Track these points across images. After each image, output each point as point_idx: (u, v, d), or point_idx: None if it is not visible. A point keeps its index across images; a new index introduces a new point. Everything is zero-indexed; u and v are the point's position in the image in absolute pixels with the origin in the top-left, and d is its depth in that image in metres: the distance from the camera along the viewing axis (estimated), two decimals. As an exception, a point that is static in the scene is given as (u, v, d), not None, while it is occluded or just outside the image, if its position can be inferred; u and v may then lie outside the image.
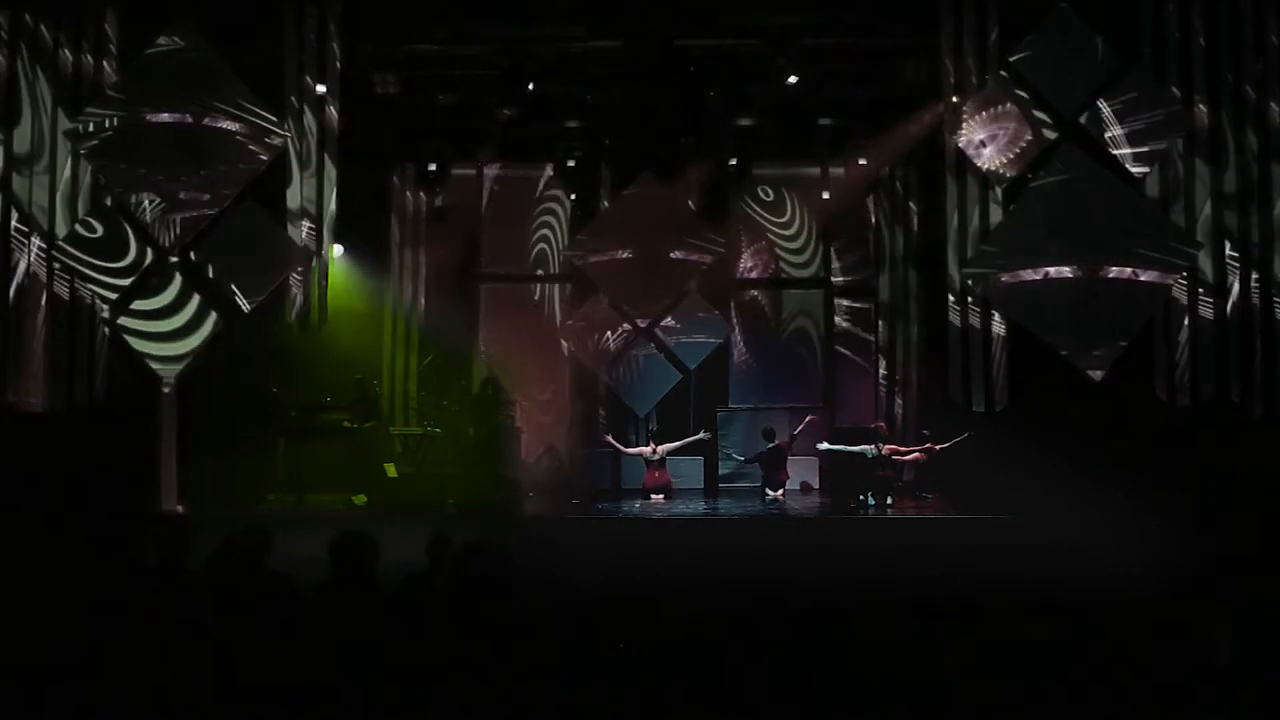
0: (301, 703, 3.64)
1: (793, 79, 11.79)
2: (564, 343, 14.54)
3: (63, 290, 10.27)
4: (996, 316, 10.74)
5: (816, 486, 13.45)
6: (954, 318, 10.90)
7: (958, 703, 3.70)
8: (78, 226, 10.24)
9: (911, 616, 4.15)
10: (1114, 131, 10.11)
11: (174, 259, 10.40)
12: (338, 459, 11.40)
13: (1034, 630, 4.10)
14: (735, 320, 14.95)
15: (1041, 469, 9.21)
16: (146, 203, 10.29)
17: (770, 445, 12.54)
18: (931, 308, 12.74)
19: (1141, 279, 10.03)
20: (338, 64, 10.81)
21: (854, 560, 8.45)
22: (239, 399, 11.59)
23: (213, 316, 10.41)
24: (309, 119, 10.72)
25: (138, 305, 10.29)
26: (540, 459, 13.02)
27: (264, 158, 10.25)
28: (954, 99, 10.65)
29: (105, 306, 10.26)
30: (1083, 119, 10.17)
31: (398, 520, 9.42)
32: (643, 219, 13.32)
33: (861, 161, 13.88)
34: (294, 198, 10.70)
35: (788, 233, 15.25)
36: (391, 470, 11.47)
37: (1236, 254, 10.28)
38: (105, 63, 10.36)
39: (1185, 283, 10.30)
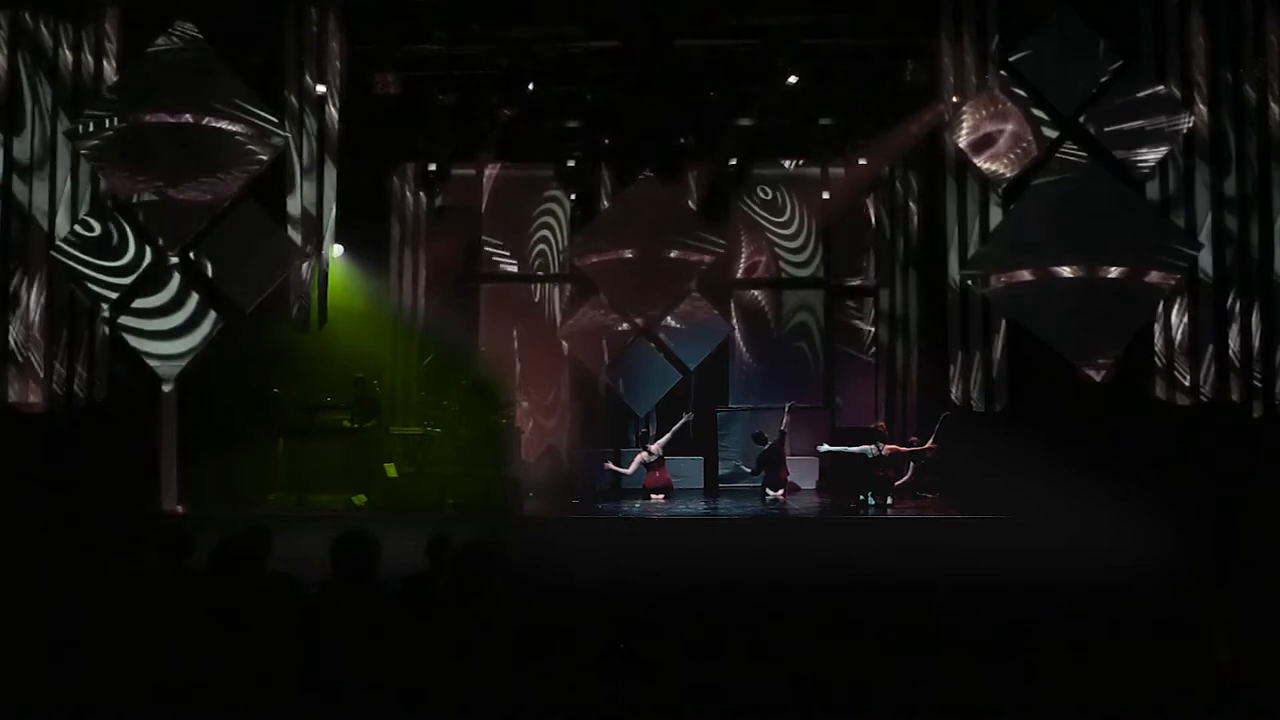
0: (302, 703, 3.64)
1: (793, 79, 11.78)
2: (564, 343, 14.53)
3: (63, 290, 10.27)
4: (996, 316, 10.74)
5: (801, 488, 13.34)
6: (954, 318, 10.88)
7: (957, 702, 3.70)
8: (78, 226, 10.24)
9: (912, 615, 4.15)
10: (1114, 131, 10.11)
11: (174, 259, 10.41)
12: (338, 459, 11.41)
13: (1033, 630, 4.10)
14: (735, 320, 14.95)
15: (1041, 469, 9.21)
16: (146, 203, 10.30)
17: (765, 447, 12.55)
18: (931, 308, 12.74)
19: (1141, 279, 10.03)
20: (338, 64, 10.81)
21: (854, 560, 8.46)
22: (239, 399, 11.59)
23: (212, 315, 10.41)
24: (309, 119, 10.71)
25: (138, 304, 10.30)
26: (540, 459, 13.01)
27: (264, 158, 10.24)
28: (954, 99, 10.65)
29: (105, 306, 10.26)
30: (1083, 119, 10.16)
31: (398, 520, 9.42)
32: (643, 219, 13.33)
33: (861, 161, 13.87)
34: (294, 198, 10.69)
35: (788, 232, 15.25)
36: (391, 470, 11.47)
37: (1236, 254, 10.28)
38: (105, 63, 10.36)
39: (1185, 282, 10.29)
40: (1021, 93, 10.30)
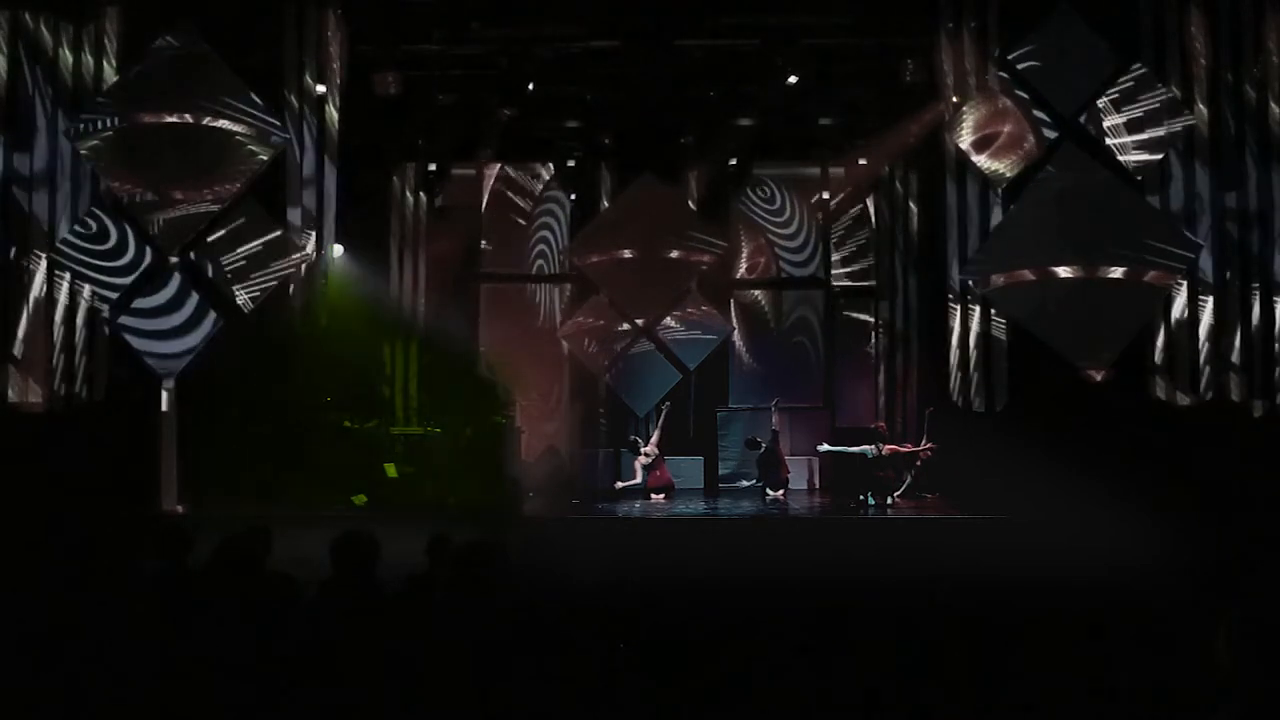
0: (302, 702, 3.64)
1: (793, 79, 11.78)
2: (564, 343, 14.54)
3: (63, 290, 10.27)
4: (996, 316, 10.73)
5: (792, 487, 13.29)
6: (954, 318, 10.88)
7: (958, 703, 3.70)
8: (78, 226, 10.24)
9: (912, 616, 4.15)
10: (1114, 131, 10.11)
11: (174, 259, 10.40)
12: (338, 459, 11.40)
13: (1034, 630, 4.10)
14: (735, 320, 14.95)
15: (1041, 469, 9.20)
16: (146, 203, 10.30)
17: (760, 451, 12.56)
18: (931, 308, 12.73)
19: (1141, 279, 10.03)
20: (337, 64, 10.81)
21: (854, 560, 8.46)
22: (239, 399, 11.59)
23: (212, 315, 10.42)
24: (309, 119, 10.73)
25: (138, 304, 10.30)
26: (540, 459, 13.01)
27: (264, 158, 10.25)
28: (954, 99, 10.65)
29: (105, 306, 10.26)
30: (1083, 119, 10.17)
31: (398, 520, 9.41)
32: (643, 219, 13.33)
33: (861, 161, 13.88)
34: (294, 198, 10.69)
35: (787, 232, 15.24)
36: (391, 470, 11.46)
37: (1236, 254, 10.28)
38: (105, 63, 10.36)
39: (1185, 283, 10.29)
40: (1022, 93, 10.31)
